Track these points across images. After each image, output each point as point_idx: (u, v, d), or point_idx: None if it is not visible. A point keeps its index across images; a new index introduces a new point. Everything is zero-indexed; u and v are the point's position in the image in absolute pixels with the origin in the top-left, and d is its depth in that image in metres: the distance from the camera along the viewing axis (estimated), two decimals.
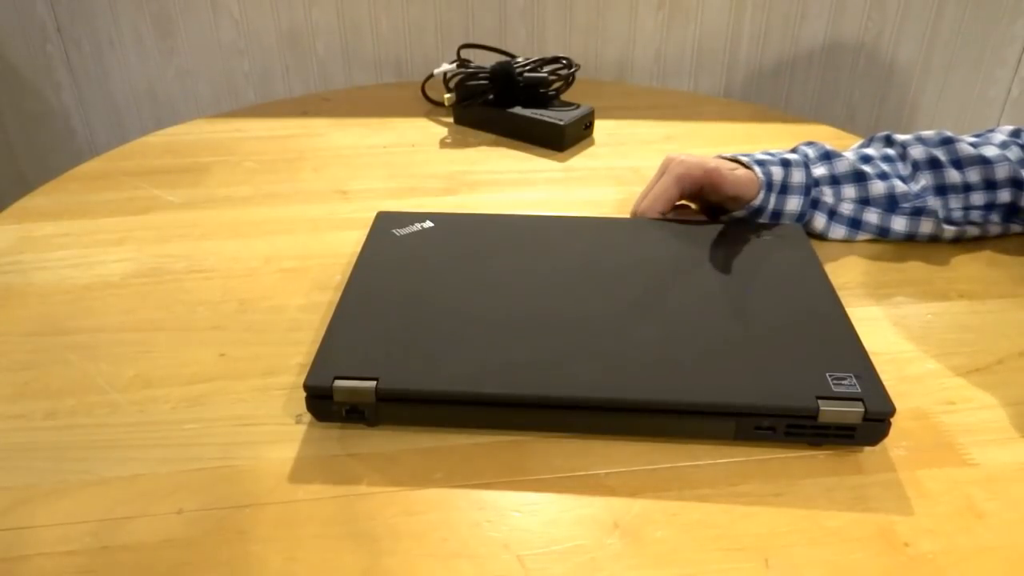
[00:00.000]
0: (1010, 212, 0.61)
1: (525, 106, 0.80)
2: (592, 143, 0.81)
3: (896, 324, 0.52)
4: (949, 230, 0.60)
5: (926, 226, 0.61)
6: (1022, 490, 0.40)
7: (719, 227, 0.57)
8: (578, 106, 0.80)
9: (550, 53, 0.90)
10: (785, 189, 0.60)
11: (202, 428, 0.43)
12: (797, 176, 0.60)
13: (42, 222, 0.64)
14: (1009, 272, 0.58)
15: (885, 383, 0.41)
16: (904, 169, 0.62)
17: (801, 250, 0.54)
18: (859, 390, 0.41)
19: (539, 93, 0.81)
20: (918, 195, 0.60)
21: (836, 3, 1.09)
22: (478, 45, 0.89)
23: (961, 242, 0.62)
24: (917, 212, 0.60)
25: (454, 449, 0.42)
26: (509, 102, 0.81)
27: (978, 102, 1.18)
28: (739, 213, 0.60)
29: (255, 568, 0.36)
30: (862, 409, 0.40)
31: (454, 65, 0.85)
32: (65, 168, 0.74)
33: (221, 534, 0.37)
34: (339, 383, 0.41)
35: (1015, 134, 0.62)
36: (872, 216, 0.61)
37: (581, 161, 0.77)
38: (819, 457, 0.42)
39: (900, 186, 0.61)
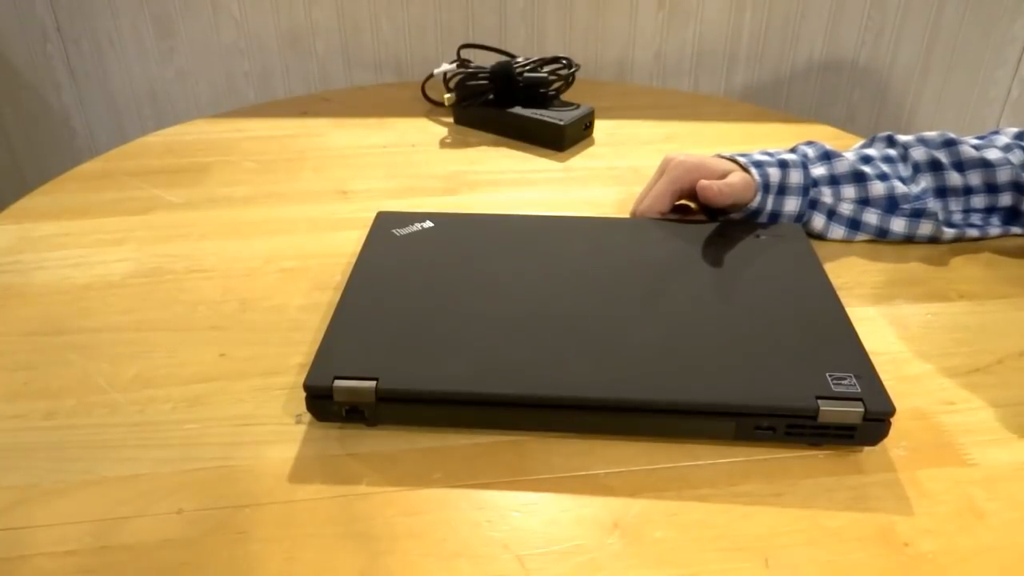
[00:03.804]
0: (1011, 216, 0.61)
1: (525, 106, 0.80)
2: (592, 143, 0.81)
3: (896, 324, 0.52)
4: (948, 232, 0.60)
5: (925, 228, 0.60)
6: (1022, 490, 0.40)
7: (719, 227, 0.57)
8: (578, 106, 0.80)
9: (550, 53, 0.90)
10: (783, 190, 0.60)
11: (202, 428, 0.43)
12: (795, 177, 0.60)
13: (42, 222, 0.64)
14: (1009, 272, 0.58)
15: (885, 383, 0.41)
16: (904, 170, 0.62)
17: (801, 250, 0.54)
18: (859, 390, 0.41)
19: (539, 93, 0.81)
20: (918, 197, 0.60)
21: (836, 3, 1.09)
22: (478, 45, 0.89)
23: (961, 242, 0.62)
24: (917, 214, 0.60)
25: (454, 449, 0.42)
26: (509, 102, 0.81)
27: (978, 103, 1.18)
28: (737, 215, 0.60)
29: (255, 568, 0.36)
30: (862, 409, 0.40)
31: (454, 65, 0.85)
32: (65, 168, 0.74)
33: (221, 534, 0.37)
34: (339, 383, 0.41)
35: (1020, 136, 0.62)
36: (871, 217, 0.61)
37: (581, 161, 0.77)
38: (819, 457, 0.42)
39: (900, 187, 0.61)
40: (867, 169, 0.61)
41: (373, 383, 0.41)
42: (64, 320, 0.52)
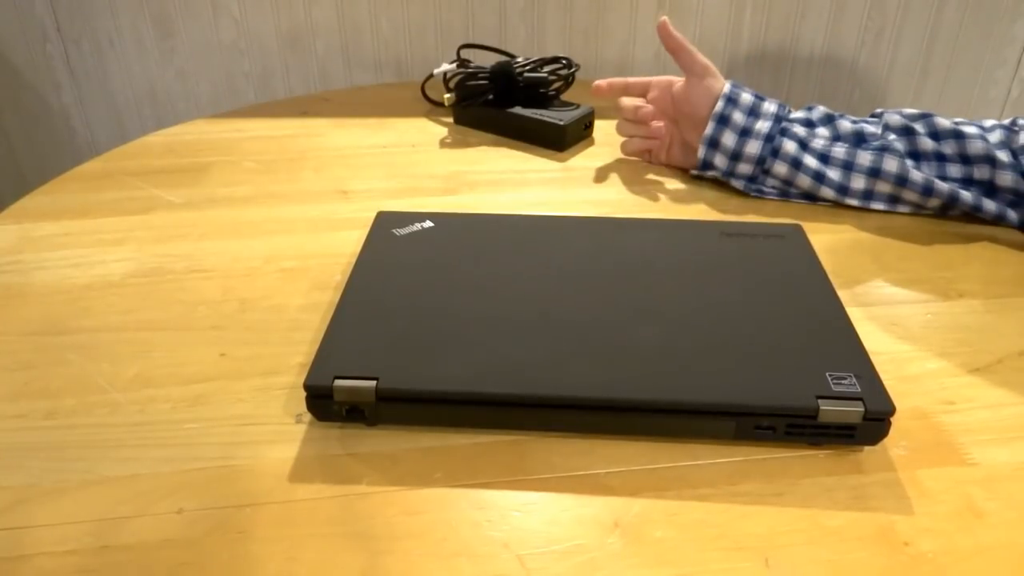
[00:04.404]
0: (988, 191, 0.62)
1: (525, 106, 0.80)
2: (592, 143, 0.81)
3: (896, 324, 0.52)
4: (916, 175, 0.62)
5: (891, 163, 0.62)
6: (1022, 490, 0.40)
7: (720, 227, 0.57)
8: (578, 106, 0.80)
9: (550, 53, 0.90)
10: (755, 113, 0.64)
11: (202, 428, 0.43)
12: (770, 107, 0.65)
13: (42, 222, 0.64)
14: (1009, 272, 0.58)
15: (885, 383, 0.41)
16: (876, 128, 0.65)
17: (801, 250, 0.54)
18: (859, 390, 0.41)
19: (539, 93, 0.81)
20: (886, 139, 0.64)
21: (836, 3, 1.09)
22: (478, 45, 0.89)
23: (959, 239, 0.62)
24: (882, 149, 0.63)
25: (454, 449, 0.42)
26: (509, 102, 0.81)
27: (978, 103, 1.18)
28: (709, 129, 0.65)
29: (255, 568, 0.36)
30: (862, 409, 0.40)
31: (454, 65, 0.85)
32: (65, 168, 0.74)
33: (221, 534, 0.37)
34: (339, 383, 0.41)
35: (1013, 124, 0.62)
36: (839, 151, 0.64)
37: (581, 161, 0.77)
38: (819, 457, 0.42)
39: (869, 128, 0.65)
40: (837, 115, 0.66)
41: (373, 383, 0.41)
42: (64, 320, 0.52)
